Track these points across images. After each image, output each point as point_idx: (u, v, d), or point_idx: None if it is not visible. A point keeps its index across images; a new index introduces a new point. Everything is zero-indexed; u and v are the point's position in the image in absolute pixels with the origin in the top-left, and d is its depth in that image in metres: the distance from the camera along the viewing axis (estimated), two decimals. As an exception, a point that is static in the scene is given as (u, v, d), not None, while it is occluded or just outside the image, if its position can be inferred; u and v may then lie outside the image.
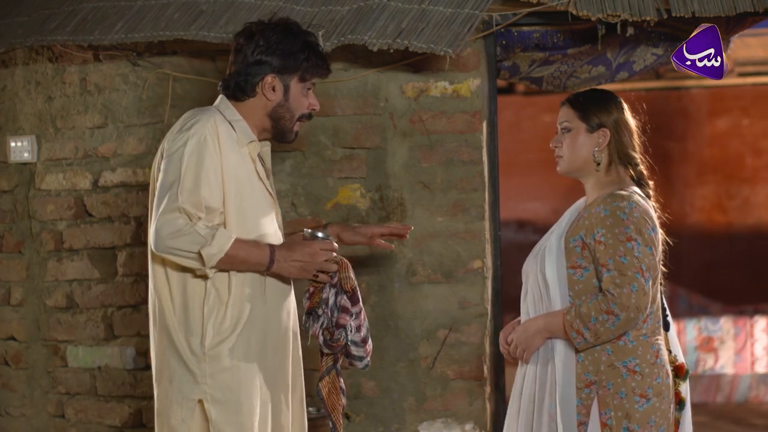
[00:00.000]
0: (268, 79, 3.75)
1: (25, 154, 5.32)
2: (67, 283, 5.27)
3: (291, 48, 3.77)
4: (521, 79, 5.64)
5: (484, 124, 4.99)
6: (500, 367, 5.06)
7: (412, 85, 4.97)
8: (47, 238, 5.30)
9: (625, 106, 3.91)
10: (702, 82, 9.33)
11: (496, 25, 4.93)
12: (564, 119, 3.89)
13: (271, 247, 3.66)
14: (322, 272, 3.70)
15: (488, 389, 5.00)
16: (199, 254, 3.53)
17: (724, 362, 8.77)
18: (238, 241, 3.59)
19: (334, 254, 3.72)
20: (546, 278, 3.78)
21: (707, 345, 8.80)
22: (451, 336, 4.96)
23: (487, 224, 4.97)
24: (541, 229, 3.99)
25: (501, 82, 5.85)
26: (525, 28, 5.24)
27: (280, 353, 3.74)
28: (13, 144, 5.33)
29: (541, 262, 3.81)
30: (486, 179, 4.97)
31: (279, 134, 3.84)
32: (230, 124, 3.73)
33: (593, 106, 3.86)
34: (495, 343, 4.99)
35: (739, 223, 9.61)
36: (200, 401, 3.62)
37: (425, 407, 4.99)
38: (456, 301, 4.96)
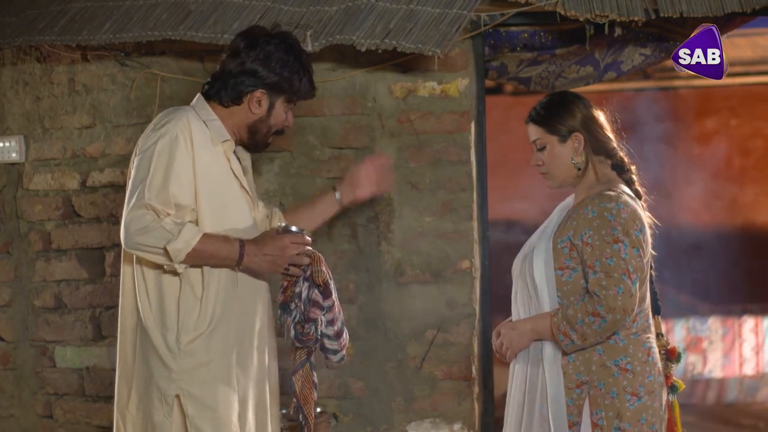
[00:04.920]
0: (257, 93, 3.78)
1: (13, 155, 5.31)
2: (55, 284, 5.26)
3: (289, 69, 3.81)
4: (509, 80, 5.65)
5: (473, 124, 4.99)
6: (489, 367, 5.06)
7: (400, 85, 4.97)
8: (35, 238, 5.29)
9: (588, 101, 3.89)
10: (690, 83, 9.34)
11: (484, 26, 4.93)
12: (535, 137, 3.87)
13: (241, 241, 3.67)
14: (295, 266, 3.70)
15: (476, 389, 5.00)
16: (165, 249, 3.54)
17: (713, 365, 8.79)
18: (206, 236, 3.61)
19: (308, 248, 3.72)
20: (534, 279, 3.77)
21: (696, 345, 8.82)
22: (439, 336, 4.96)
23: (475, 224, 4.97)
24: (530, 229, 3.97)
25: (489, 83, 5.85)
26: (513, 29, 5.25)
27: (256, 348, 3.75)
28: (0, 144, 5.31)
29: (530, 263, 3.80)
30: (474, 179, 4.97)
31: (251, 145, 3.89)
32: (204, 123, 3.74)
33: (557, 116, 3.83)
34: (483, 343, 5.00)
35: (727, 223, 9.62)
36: (177, 397, 3.63)
37: (414, 407, 4.99)
38: (444, 301, 4.96)
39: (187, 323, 3.65)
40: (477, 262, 5.00)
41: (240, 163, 3.87)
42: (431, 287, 4.97)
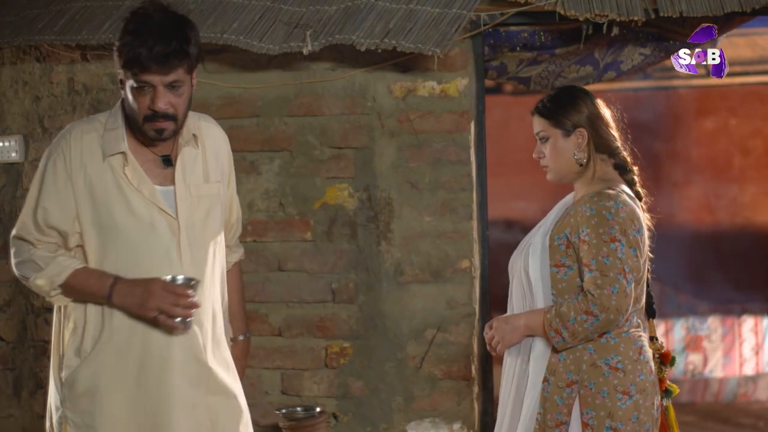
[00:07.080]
0: (120, 72, 3.39)
1: (13, 154, 5.31)
2: (55, 284, 5.26)
3: (121, 37, 3.38)
4: (509, 79, 5.65)
5: (472, 124, 4.99)
6: (488, 366, 5.06)
7: (399, 85, 4.97)
8: (35, 238, 5.29)
9: (595, 98, 3.87)
10: (689, 82, 9.33)
11: (484, 25, 4.93)
12: (539, 129, 3.85)
13: (115, 279, 3.40)
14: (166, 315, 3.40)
15: (476, 389, 5.00)
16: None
17: (713, 365, 8.78)
18: (77, 271, 3.40)
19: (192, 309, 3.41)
20: (529, 276, 3.76)
21: (695, 345, 8.81)
22: (438, 336, 4.96)
23: (474, 224, 4.97)
24: (529, 229, 3.96)
25: (489, 82, 5.85)
26: (513, 28, 5.25)
27: (154, 381, 3.49)
28: (0, 144, 5.32)
29: (525, 260, 3.78)
30: (474, 179, 4.97)
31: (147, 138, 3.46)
32: (104, 133, 3.43)
33: (562, 110, 3.80)
34: (483, 343, 4.99)
35: (726, 223, 9.62)
36: (63, 423, 3.55)
37: (413, 407, 4.99)
38: (444, 301, 4.96)
39: (71, 351, 3.49)
40: (477, 261, 5.00)
41: (170, 167, 3.49)
42: (431, 287, 4.97)
